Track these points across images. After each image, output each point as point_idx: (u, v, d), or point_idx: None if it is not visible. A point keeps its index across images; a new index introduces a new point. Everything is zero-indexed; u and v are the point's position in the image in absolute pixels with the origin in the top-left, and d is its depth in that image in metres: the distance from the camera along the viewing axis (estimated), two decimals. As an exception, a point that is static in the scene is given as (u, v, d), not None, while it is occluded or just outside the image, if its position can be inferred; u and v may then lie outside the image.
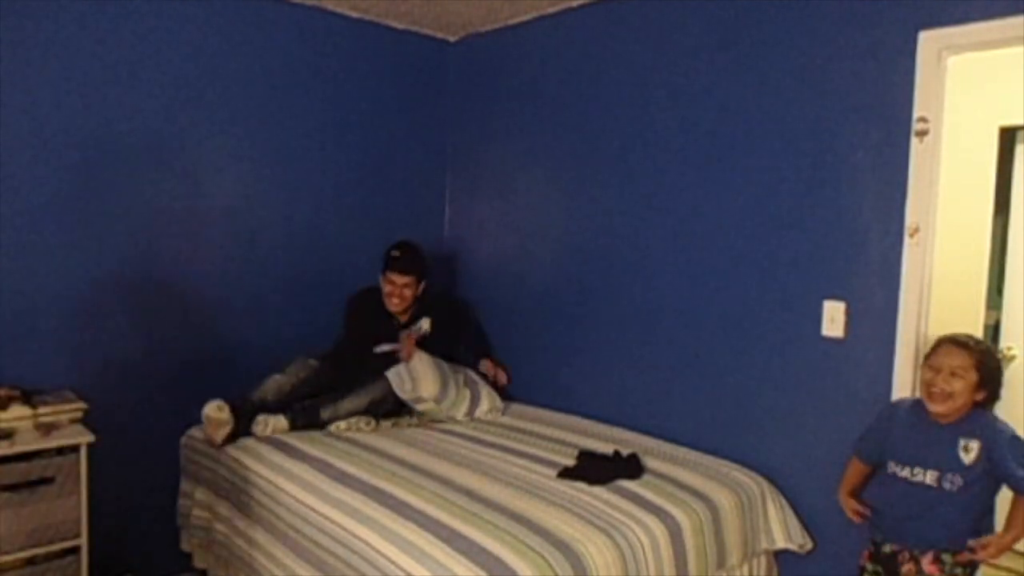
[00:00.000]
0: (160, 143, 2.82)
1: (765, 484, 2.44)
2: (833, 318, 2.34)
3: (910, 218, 2.17)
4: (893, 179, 2.20)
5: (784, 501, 2.44)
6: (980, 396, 1.89)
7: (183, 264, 2.91)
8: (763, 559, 2.43)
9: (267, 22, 3.07)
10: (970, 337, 1.95)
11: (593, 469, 2.36)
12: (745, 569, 2.35)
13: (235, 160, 3.04)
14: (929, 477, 1.92)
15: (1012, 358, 3.37)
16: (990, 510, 1.94)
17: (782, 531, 2.39)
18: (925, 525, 1.94)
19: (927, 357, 1.98)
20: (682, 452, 2.62)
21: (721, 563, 2.24)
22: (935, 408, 1.90)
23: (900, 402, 2.13)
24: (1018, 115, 3.11)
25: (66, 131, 2.61)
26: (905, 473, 1.97)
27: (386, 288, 3.10)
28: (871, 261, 2.27)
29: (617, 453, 2.49)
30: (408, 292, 3.10)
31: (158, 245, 2.85)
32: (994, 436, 1.86)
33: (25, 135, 2.54)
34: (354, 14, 3.29)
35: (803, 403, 2.44)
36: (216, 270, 3.01)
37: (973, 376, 1.87)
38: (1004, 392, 3.52)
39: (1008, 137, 3.31)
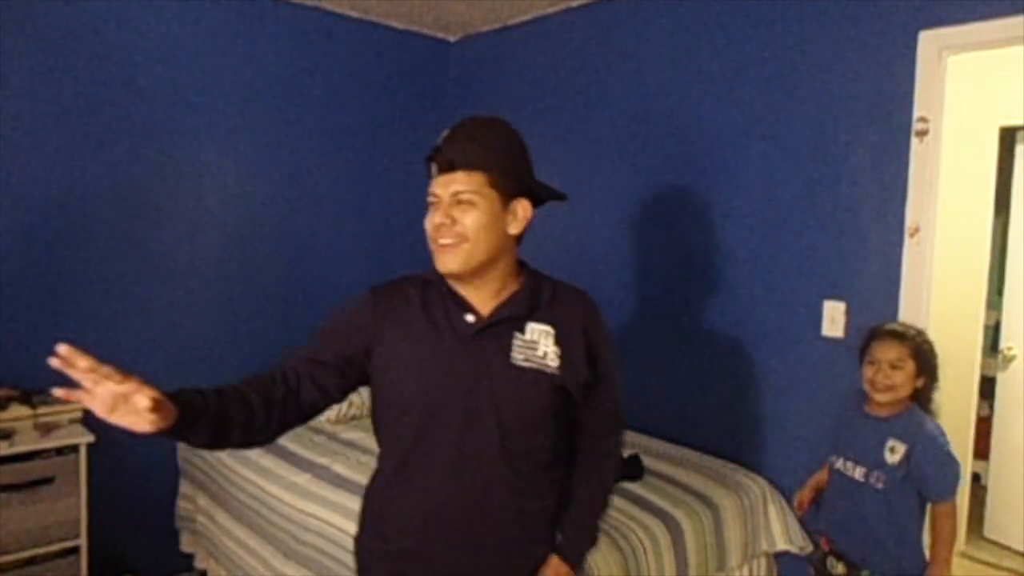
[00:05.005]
0: (159, 144, 2.82)
1: (766, 485, 2.44)
2: (833, 318, 2.34)
3: (910, 218, 2.17)
4: (893, 179, 2.20)
5: (784, 503, 2.44)
6: (920, 382, 1.90)
7: (181, 263, 2.91)
8: (763, 561, 2.43)
9: (267, 22, 3.06)
10: (903, 325, 1.97)
11: (593, 469, 2.35)
12: (745, 571, 2.35)
13: (233, 161, 3.03)
14: (858, 472, 1.92)
15: (1012, 358, 3.37)
16: (916, 522, 1.90)
17: (782, 533, 2.39)
18: (854, 523, 1.92)
19: (864, 349, 1.96)
20: (683, 453, 2.62)
21: (721, 565, 2.24)
22: (880, 398, 1.90)
23: (851, 394, 2.10)
24: (1018, 115, 3.11)
25: (65, 126, 2.61)
26: (839, 465, 1.98)
27: (434, 219, 1.35)
28: (871, 261, 2.27)
29: (617, 453, 2.48)
30: (471, 219, 1.33)
31: (156, 244, 2.85)
32: (919, 440, 1.85)
33: (29, 120, 2.54)
34: (354, 14, 3.29)
35: (803, 403, 2.44)
36: (213, 270, 3.01)
37: (911, 365, 1.88)
38: (1005, 392, 3.52)
39: (1008, 137, 3.31)
